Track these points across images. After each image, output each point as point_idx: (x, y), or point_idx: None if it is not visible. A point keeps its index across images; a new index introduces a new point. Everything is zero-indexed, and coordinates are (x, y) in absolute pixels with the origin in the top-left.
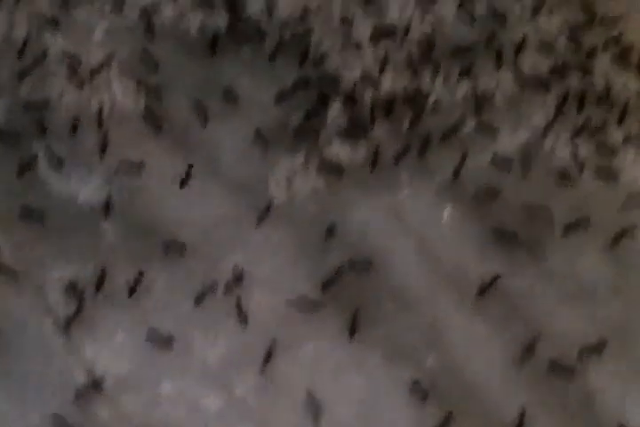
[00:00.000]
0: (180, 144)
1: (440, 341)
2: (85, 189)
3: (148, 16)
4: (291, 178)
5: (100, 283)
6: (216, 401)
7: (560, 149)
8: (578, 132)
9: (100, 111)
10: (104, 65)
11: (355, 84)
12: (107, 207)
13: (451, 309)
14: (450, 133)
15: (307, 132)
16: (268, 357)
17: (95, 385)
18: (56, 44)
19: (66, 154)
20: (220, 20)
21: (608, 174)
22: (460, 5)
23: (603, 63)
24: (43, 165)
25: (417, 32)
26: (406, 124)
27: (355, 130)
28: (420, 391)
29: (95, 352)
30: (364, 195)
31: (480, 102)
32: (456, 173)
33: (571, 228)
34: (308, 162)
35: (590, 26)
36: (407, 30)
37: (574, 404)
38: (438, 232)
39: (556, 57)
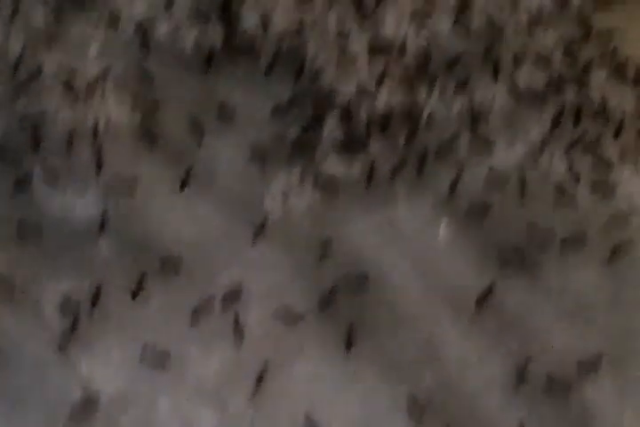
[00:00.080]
0: (175, 160)
1: (437, 357)
2: (80, 204)
3: (143, 31)
4: (287, 193)
5: (95, 299)
6: (211, 419)
7: (556, 163)
8: (574, 147)
9: (96, 126)
10: (99, 80)
11: (350, 99)
12: (102, 223)
13: (447, 324)
14: (446, 148)
15: (303, 148)
16: (264, 374)
17: (91, 402)
18: (51, 59)
19: (61, 169)
20: (216, 35)
21: (605, 189)
22: (456, 19)
23: (598, 77)
24: (38, 181)
25: (413, 46)
26: (402, 139)
27: (351, 145)
28: (418, 408)
29: (91, 369)
30: (359, 210)
31: (476, 117)
32: (452, 189)
33: (567, 243)
34: (304, 177)
35: (586, 40)
36: (403, 45)
37: (572, 420)
38: (434, 248)
39: (551, 71)
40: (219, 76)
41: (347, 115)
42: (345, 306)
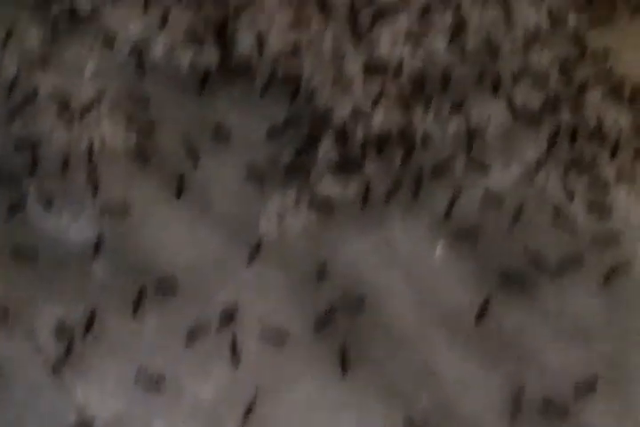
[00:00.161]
0: (170, 181)
1: (433, 379)
2: (75, 227)
3: (138, 52)
4: (282, 215)
5: (89, 323)
6: None
7: (552, 184)
8: (570, 168)
9: (91, 148)
10: (94, 102)
11: (346, 120)
12: (97, 246)
13: (444, 347)
14: (441, 169)
15: (298, 169)
16: (260, 397)
17: (86, 426)
18: (46, 81)
19: (56, 192)
20: (211, 56)
21: (601, 210)
22: (452, 39)
23: (594, 97)
24: (33, 204)
25: (408, 67)
26: (398, 160)
27: (346, 166)
28: None
29: (86, 393)
30: (355, 231)
31: (472, 137)
32: (448, 210)
33: (564, 265)
34: (300, 199)
35: (582, 59)
36: (398, 65)
37: None
38: (431, 269)
39: (547, 91)
40: (214, 98)
41: (342, 136)
42: (341, 328)
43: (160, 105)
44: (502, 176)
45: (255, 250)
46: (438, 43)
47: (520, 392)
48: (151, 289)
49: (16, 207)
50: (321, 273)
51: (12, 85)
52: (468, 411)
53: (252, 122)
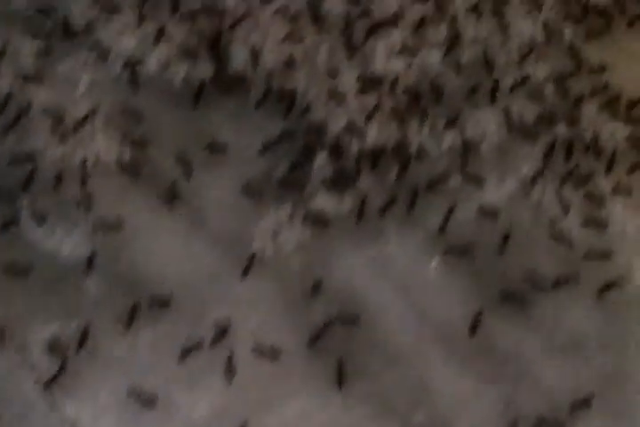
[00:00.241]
0: (164, 197)
1: (428, 396)
2: (69, 243)
3: (132, 67)
4: (276, 230)
5: (82, 340)
6: None
7: (548, 198)
8: (565, 182)
9: (84, 164)
10: (88, 117)
11: (340, 135)
12: (90, 262)
13: (439, 363)
14: (436, 183)
15: (292, 184)
16: (253, 414)
17: None
18: (39, 97)
19: (49, 208)
20: (205, 70)
21: (597, 224)
22: (446, 53)
23: (590, 111)
24: (26, 220)
25: (403, 81)
26: (393, 175)
27: (340, 181)
28: None
29: (78, 411)
30: (350, 247)
31: (467, 151)
32: (443, 225)
33: (560, 280)
34: (294, 214)
35: (577, 73)
36: (393, 79)
37: None
38: (425, 285)
39: (543, 105)
40: (208, 112)
41: (337, 150)
42: (336, 344)
43: (154, 119)
44: (497, 190)
45: (249, 265)
46: (433, 56)
47: (515, 409)
48: (145, 305)
49: (10, 223)
50: (315, 288)
51: (6, 100)
52: None
53: (247, 136)
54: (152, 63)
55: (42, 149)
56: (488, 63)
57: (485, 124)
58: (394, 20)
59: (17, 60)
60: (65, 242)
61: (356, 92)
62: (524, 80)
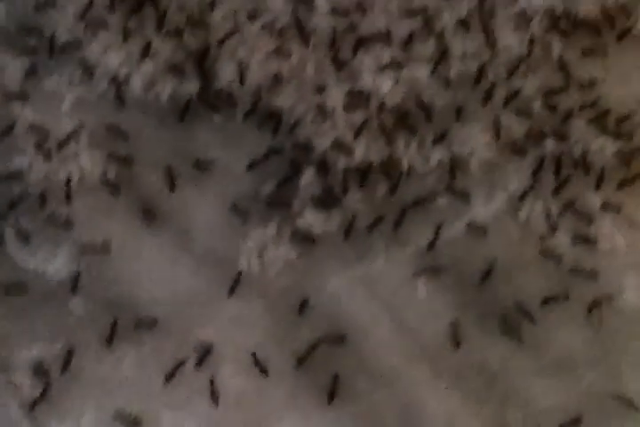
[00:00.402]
0: (149, 216)
1: (417, 415)
2: (53, 264)
3: (117, 84)
4: (263, 249)
5: (66, 362)
6: None
7: (536, 215)
8: (554, 198)
9: (69, 184)
10: (73, 135)
11: (327, 152)
12: (75, 283)
13: (427, 382)
14: (424, 201)
15: (279, 201)
16: None
17: None
18: (24, 115)
19: (34, 228)
20: (192, 86)
21: (586, 241)
22: (434, 68)
23: (579, 126)
24: (10, 240)
25: (391, 97)
26: (380, 193)
27: (328, 198)
28: None
29: None
30: (337, 265)
31: (455, 168)
32: (431, 243)
33: (549, 299)
34: (281, 232)
35: (566, 89)
36: (381, 95)
37: None
38: (413, 304)
39: (531, 121)
40: (194, 128)
41: (324, 167)
42: (324, 362)
43: (140, 137)
44: (486, 207)
45: (235, 284)
46: (421, 72)
47: None
48: (129, 326)
49: None
50: (302, 307)
51: None
52: None
53: (234, 153)
54: (138, 80)
55: (26, 169)
56: (476, 79)
57: (474, 140)
58: (381, 36)
59: (1, 78)
60: (49, 262)
61: (344, 108)
62: (513, 95)
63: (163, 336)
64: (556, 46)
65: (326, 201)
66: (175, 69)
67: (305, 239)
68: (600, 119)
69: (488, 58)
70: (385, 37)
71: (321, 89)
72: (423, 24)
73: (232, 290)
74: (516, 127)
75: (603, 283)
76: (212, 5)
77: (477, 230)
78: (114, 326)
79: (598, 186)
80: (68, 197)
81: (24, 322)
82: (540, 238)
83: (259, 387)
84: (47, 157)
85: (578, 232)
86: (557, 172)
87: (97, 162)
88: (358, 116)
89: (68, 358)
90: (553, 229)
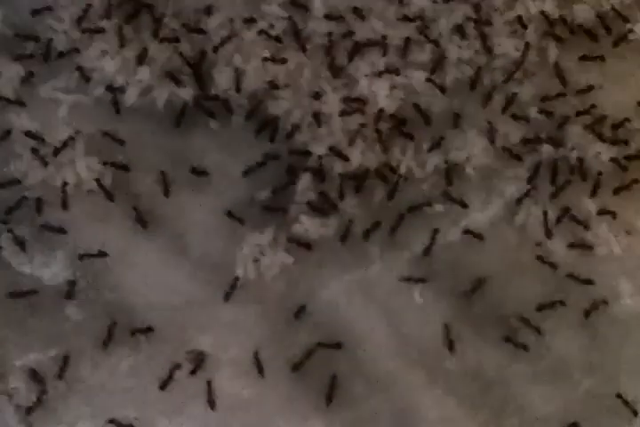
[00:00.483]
0: (146, 222)
1: (413, 421)
2: (49, 269)
3: (114, 91)
4: (259, 255)
5: (62, 368)
6: None
7: (532, 221)
8: (550, 204)
9: (65, 189)
10: (69, 142)
11: (323, 159)
12: (71, 288)
13: (423, 388)
14: (421, 207)
15: (275, 207)
16: None
17: None
18: (20, 122)
19: (30, 234)
20: (188, 92)
21: (582, 247)
22: (430, 75)
23: (575, 133)
24: (7, 246)
25: (387, 103)
26: (376, 198)
27: (324, 204)
28: None
29: None
30: (333, 271)
31: (451, 175)
32: (427, 248)
33: (546, 305)
34: (277, 238)
35: (563, 95)
36: (377, 102)
37: None
38: (409, 309)
39: (527, 127)
40: (191, 135)
41: (320, 173)
42: (320, 368)
43: (136, 142)
44: (482, 213)
45: (232, 290)
46: (417, 79)
47: None
48: (125, 332)
49: None
50: (299, 313)
51: None
52: None
53: (230, 159)
54: (134, 86)
55: (22, 176)
56: (472, 84)
57: (470, 145)
58: (378, 41)
59: None
60: (46, 267)
61: (340, 113)
62: (510, 101)
63: (159, 342)
64: (553, 52)
65: (322, 207)
66: (171, 76)
67: (301, 245)
68: (596, 125)
69: (484, 64)
70: (381, 43)
71: (317, 95)
72: (419, 30)
73: (228, 295)
74: (512, 133)
75: (599, 287)
76: (209, 12)
77: (474, 237)
78: (110, 331)
79: (594, 192)
80: (65, 202)
81: (20, 328)
82: (536, 244)
83: (255, 392)
84: (43, 162)
85: (574, 238)
86: (554, 177)
87: (93, 168)
88: (354, 122)
89: (63, 364)
90: (549, 234)
